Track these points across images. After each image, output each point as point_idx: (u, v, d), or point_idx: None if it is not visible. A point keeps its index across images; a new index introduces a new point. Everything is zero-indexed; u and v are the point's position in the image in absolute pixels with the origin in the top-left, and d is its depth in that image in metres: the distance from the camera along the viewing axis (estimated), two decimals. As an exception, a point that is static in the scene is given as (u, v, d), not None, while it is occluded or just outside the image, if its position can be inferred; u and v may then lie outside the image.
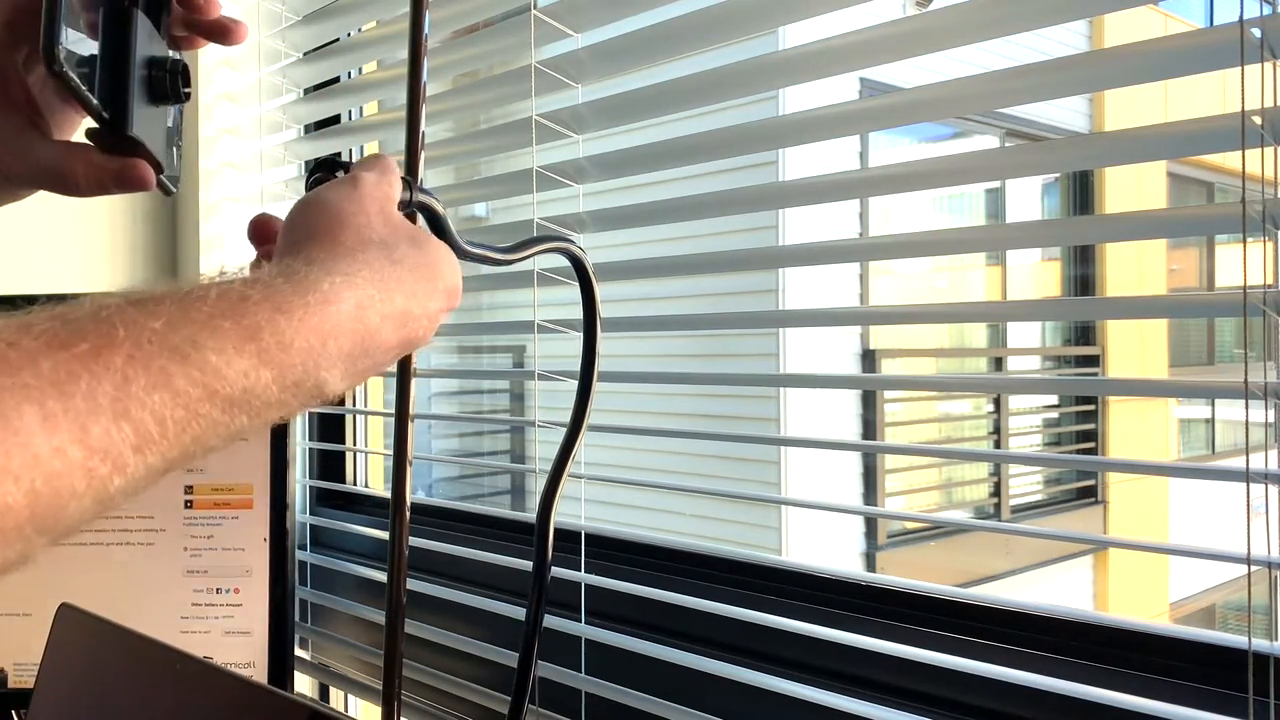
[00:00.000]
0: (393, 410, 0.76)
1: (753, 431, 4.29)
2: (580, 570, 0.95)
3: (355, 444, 1.38)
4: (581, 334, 0.68)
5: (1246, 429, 0.59)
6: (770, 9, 0.80)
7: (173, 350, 0.34)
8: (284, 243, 0.46)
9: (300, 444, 1.35)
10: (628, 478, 1.10)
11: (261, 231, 0.51)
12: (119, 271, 1.33)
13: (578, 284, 0.68)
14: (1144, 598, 6.01)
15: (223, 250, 1.34)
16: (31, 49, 0.50)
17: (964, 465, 5.47)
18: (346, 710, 1.27)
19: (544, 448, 0.92)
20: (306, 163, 1.31)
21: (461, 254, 0.52)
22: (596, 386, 0.67)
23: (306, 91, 1.31)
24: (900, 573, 3.70)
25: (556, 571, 0.94)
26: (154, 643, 0.57)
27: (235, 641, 0.92)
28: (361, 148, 1.31)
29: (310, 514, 1.35)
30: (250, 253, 0.51)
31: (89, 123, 0.49)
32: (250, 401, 0.37)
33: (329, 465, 1.38)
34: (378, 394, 1.42)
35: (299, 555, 1.26)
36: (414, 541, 1.03)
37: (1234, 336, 6.33)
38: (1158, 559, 5.95)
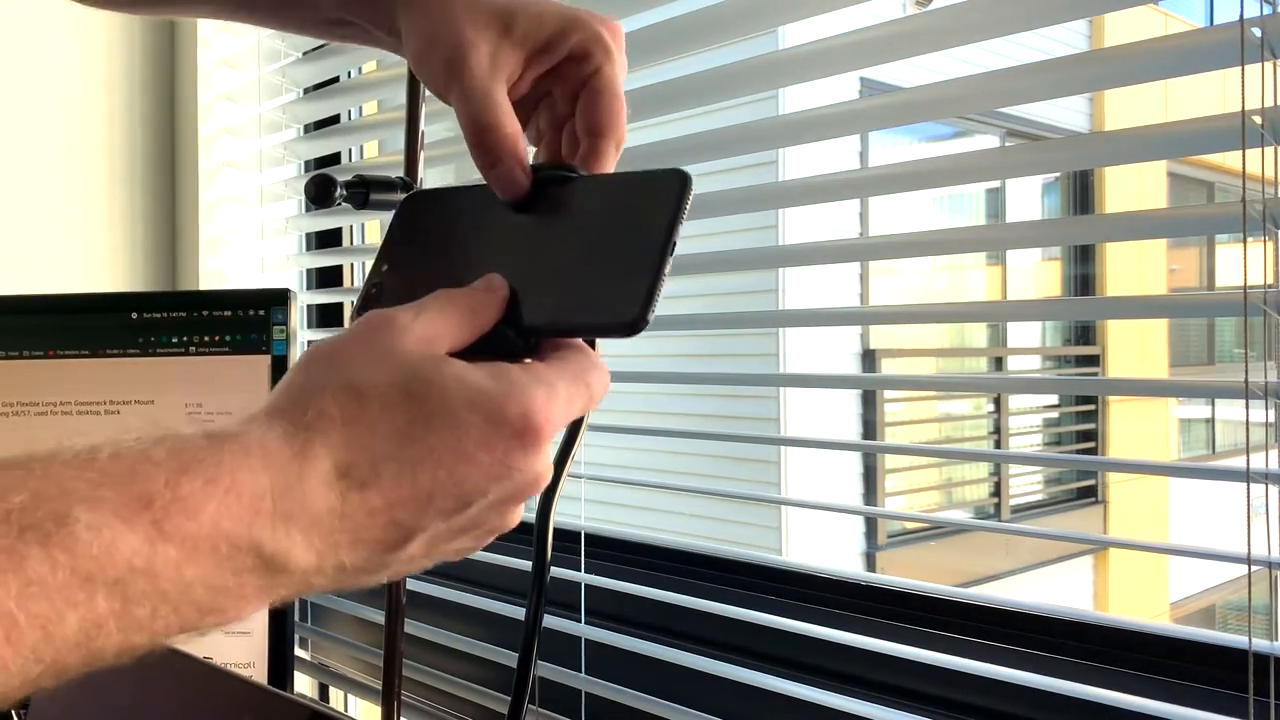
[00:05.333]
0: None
1: (753, 431, 4.29)
2: (580, 570, 0.95)
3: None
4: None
5: (1247, 429, 0.59)
6: (770, 9, 0.80)
7: (30, 529, 0.28)
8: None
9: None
10: (628, 478, 1.10)
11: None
12: (119, 271, 1.33)
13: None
14: (1144, 598, 6.01)
15: (222, 250, 1.34)
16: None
17: (964, 465, 5.47)
18: (346, 710, 1.27)
19: (544, 448, 0.92)
20: (307, 163, 1.31)
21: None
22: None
23: (306, 91, 1.31)
24: (900, 573, 3.70)
25: (556, 571, 0.94)
26: (153, 643, 0.57)
27: (235, 641, 0.92)
28: (361, 147, 1.31)
29: (310, 514, 1.34)
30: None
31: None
32: (159, 587, 0.30)
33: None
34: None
35: (299, 555, 1.26)
36: (414, 541, 1.03)
37: (1234, 336, 6.33)
38: (1158, 559, 5.95)
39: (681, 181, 0.41)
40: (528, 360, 0.39)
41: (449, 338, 0.38)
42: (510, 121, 0.44)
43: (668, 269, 0.40)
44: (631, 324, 0.39)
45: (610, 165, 0.46)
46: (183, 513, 0.30)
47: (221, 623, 0.32)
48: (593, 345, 0.42)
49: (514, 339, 0.40)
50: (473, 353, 0.38)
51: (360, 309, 0.44)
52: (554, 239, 0.43)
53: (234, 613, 0.32)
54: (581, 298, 0.40)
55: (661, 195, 0.41)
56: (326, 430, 0.34)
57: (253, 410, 0.35)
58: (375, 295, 0.44)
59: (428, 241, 0.46)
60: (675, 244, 0.40)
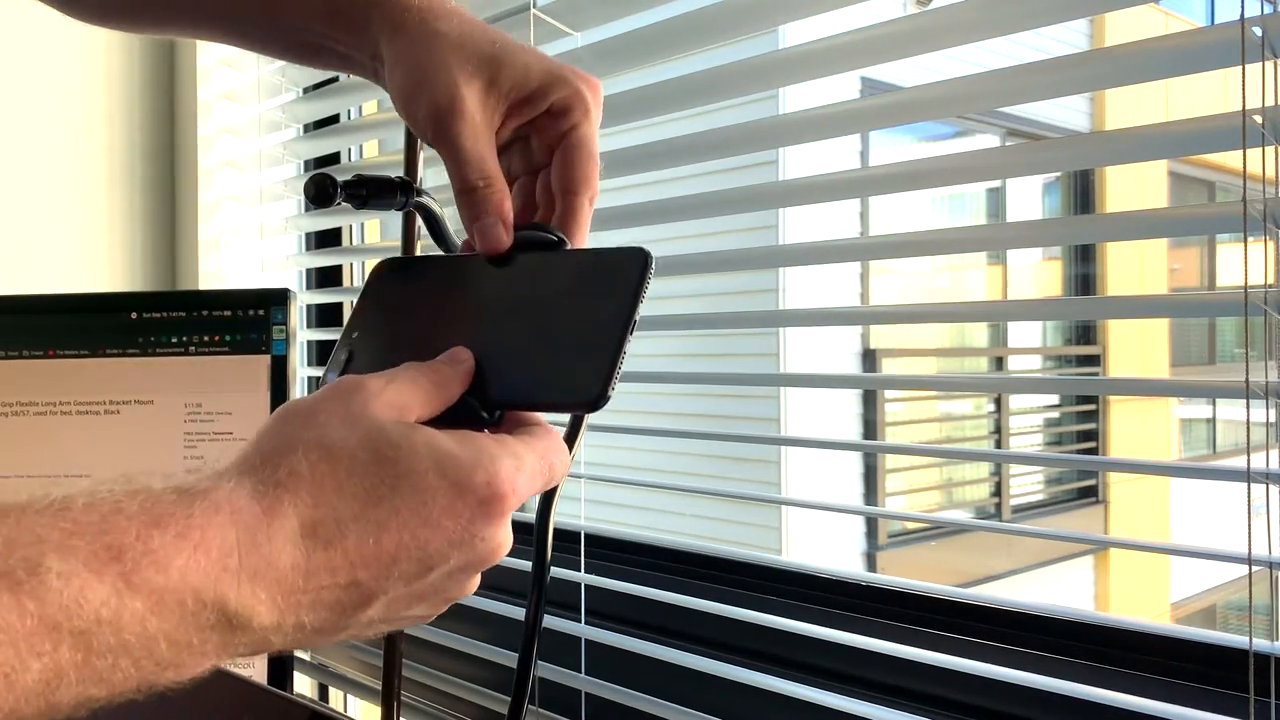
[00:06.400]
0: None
1: (753, 431, 4.29)
2: (580, 570, 0.95)
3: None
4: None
5: (1248, 429, 0.59)
6: (770, 9, 0.80)
7: (2, 576, 0.28)
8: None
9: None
10: (628, 478, 1.10)
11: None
12: (118, 271, 1.33)
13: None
14: (1145, 598, 6.01)
15: (222, 250, 1.34)
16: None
17: (964, 465, 5.47)
18: (346, 710, 1.27)
19: (544, 448, 0.92)
20: (307, 162, 1.31)
21: (457, 254, 0.52)
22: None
23: (306, 90, 1.31)
24: (901, 573, 3.70)
25: (556, 571, 0.94)
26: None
27: (235, 641, 0.92)
28: (361, 147, 1.31)
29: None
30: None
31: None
32: (122, 639, 0.30)
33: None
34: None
35: (299, 555, 1.26)
36: (414, 541, 1.03)
37: (1235, 336, 6.33)
38: (1158, 559, 5.94)
39: (643, 262, 0.42)
40: (488, 431, 0.41)
41: (418, 407, 0.38)
42: (499, 180, 0.46)
43: (629, 346, 0.41)
44: (593, 403, 0.40)
45: (585, 220, 0.48)
46: (152, 565, 0.30)
47: (177, 679, 0.32)
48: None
49: (479, 410, 0.41)
50: (440, 423, 0.39)
51: (328, 374, 0.45)
52: (520, 313, 0.44)
53: (190, 669, 0.32)
54: (546, 375, 0.42)
55: (624, 274, 0.42)
56: (296, 488, 0.34)
57: (225, 463, 0.35)
58: (346, 361, 0.46)
59: (397, 310, 0.48)
60: (636, 322, 0.42)
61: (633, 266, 0.42)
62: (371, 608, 0.35)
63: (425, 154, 0.79)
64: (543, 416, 0.43)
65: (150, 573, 0.30)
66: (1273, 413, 0.57)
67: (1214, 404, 6.81)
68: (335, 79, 1.26)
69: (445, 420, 0.39)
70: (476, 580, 0.39)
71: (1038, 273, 6.21)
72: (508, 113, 0.47)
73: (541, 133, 0.49)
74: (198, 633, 0.31)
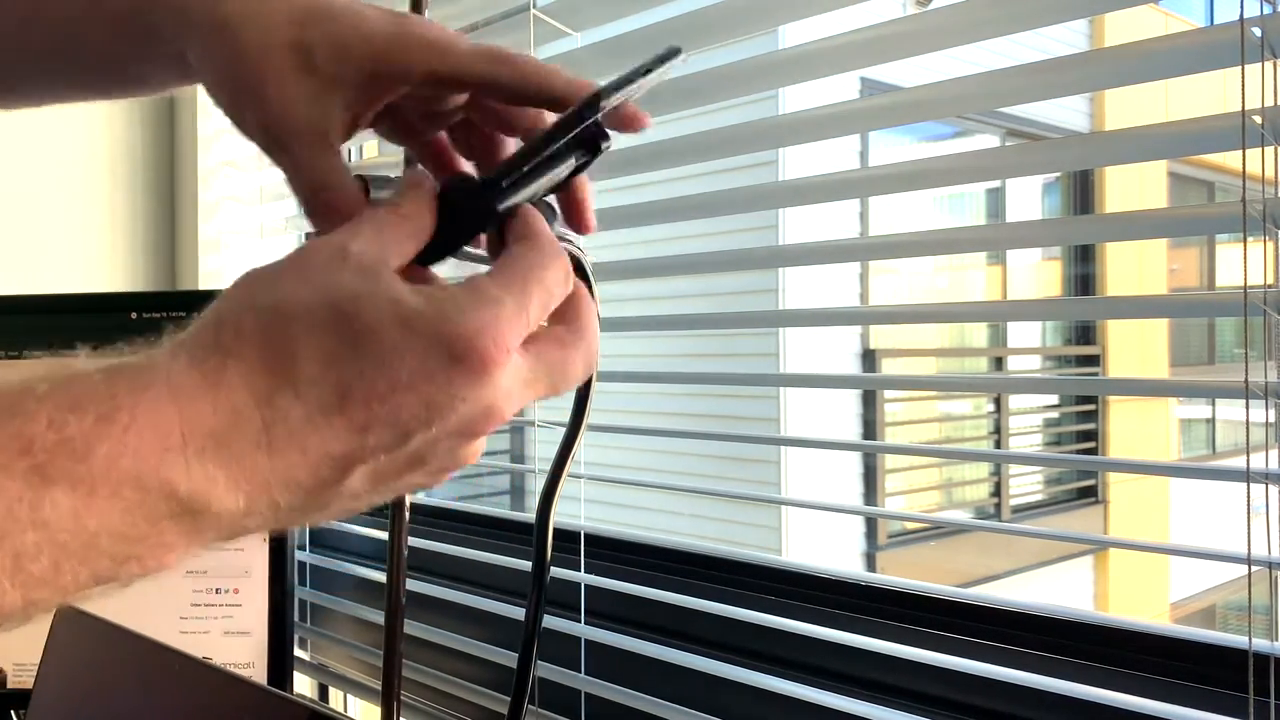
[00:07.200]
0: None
1: (753, 431, 4.29)
2: (580, 570, 0.95)
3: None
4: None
5: (1247, 429, 0.59)
6: (770, 9, 0.80)
7: None
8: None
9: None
10: (628, 478, 1.10)
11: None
12: (119, 271, 1.33)
13: (577, 284, 0.67)
14: (1144, 598, 6.01)
15: (222, 250, 1.34)
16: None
17: (964, 465, 5.47)
18: (346, 710, 1.27)
19: (543, 447, 0.92)
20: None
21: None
22: (596, 386, 0.67)
23: (306, 91, 1.31)
24: (901, 573, 3.70)
25: (556, 572, 0.94)
26: (153, 643, 0.57)
27: (234, 641, 0.92)
28: (361, 147, 1.31)
29: (310, 514, 1.34)
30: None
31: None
32: (55, 539, 0.27)
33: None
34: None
35: (298, 555, 1.26)
36: (413, 541, 1.03)
37: (1234, 336, 6.33)
38: (1158, 559, 5.95)
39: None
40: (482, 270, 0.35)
41: (394, 253, 0.33)
42: (340, 190, 0.38)
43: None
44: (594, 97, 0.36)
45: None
46: (70, 455, 0.27)
47: (145, 572, 0.29)
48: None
49: (469, 224, 0.36)
50: (430, 258, 0.35)
51: None
52: None
53: (156, 562, 0.29)
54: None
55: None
56: (242, 353, 0.30)
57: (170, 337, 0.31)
58: None
59: None
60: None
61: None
62: (351, 479, 0.31)
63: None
64: (538, 233, 0.36)
65: (67, 463, 0.27)
66: (1273, 413, 0.57)
67: (1214, 404, 6.82)
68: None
69: (434, 254, 0.35)
70: (477, 446, 0.34)
71: (1038, 273, 6.21)
72: (357, 103, 0.39)
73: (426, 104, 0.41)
74: (150, 524, 0.28)
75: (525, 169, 0.36)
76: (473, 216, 0.36)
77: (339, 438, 0.30)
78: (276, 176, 1.31)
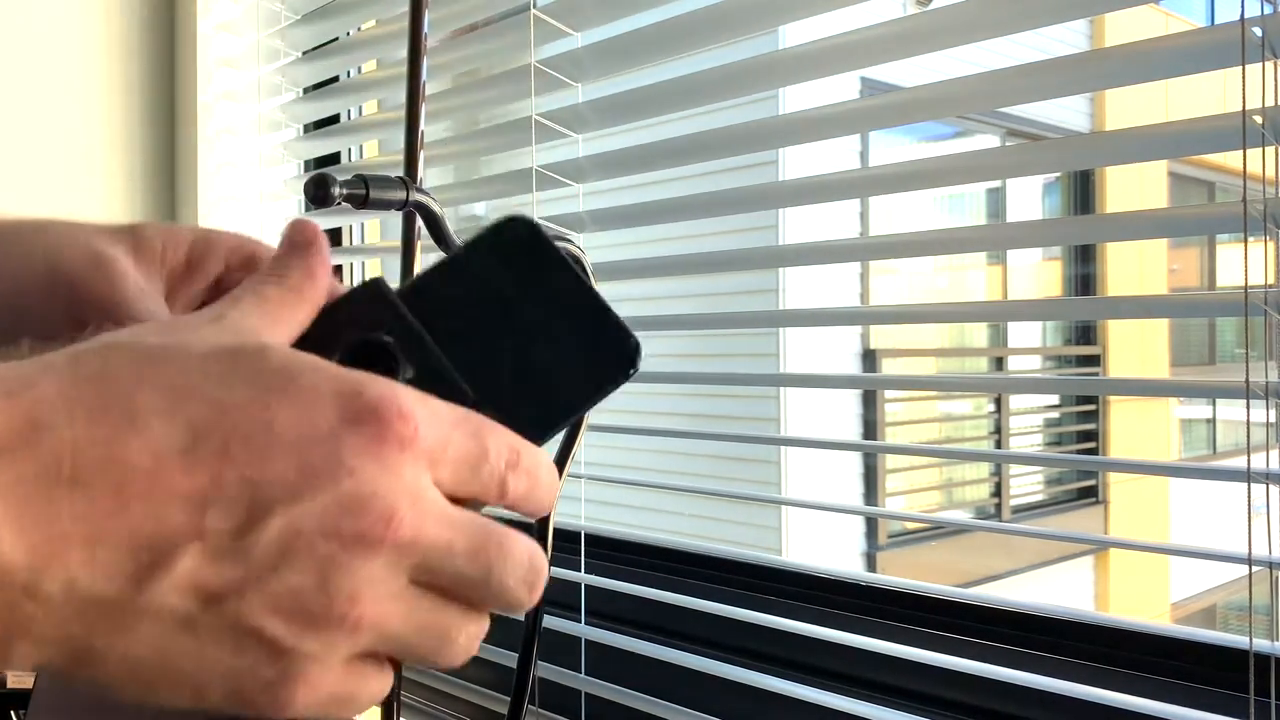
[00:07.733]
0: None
1: (753, 431, 4.29)
2: (580, 570, 0.95)
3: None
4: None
5: (1248, 429, 0.59)
6: (770, 9, 0.80)
7: None
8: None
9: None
10: (628, 478, 1.10)
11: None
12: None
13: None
14: (1145, 598, 6.01)
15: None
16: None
17: (964, 465, 5.47)
18: (346, 710, 1.27)
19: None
20: (307, 162, 1.31)
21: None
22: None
23: (306, 90, 1.31)
24: (901, 573, 3.70)
25: (556, 571, 0.94)
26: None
27: (235, 641, 0.92)
28: (361, 147, 1.31)
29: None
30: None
31: None
32: None
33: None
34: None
35: (299, 555, 1.26)
36: (414, 541, 1.03)
37: (1235, 336, 6.33)
38: (1158, 559, 5.95)
39: (529, 228, 0.34)
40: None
41: (281, 326, 0.28)
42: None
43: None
44: (632, 355, 0.34)
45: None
46: None
47: None
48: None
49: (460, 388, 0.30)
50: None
51: None
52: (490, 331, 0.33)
53: None
54: (572, 370, 0.33)
55: (528, 257, 0.34)
56: (64, 367, 0.23)
57: None
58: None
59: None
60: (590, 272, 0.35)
61: (519, 236, 0.34)
62: (171, 571, 0.22)
63: (425, 153, 0.79)
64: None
65: None
66: (1273, 413, 0.57)
67: (1214, 404, 6.81)
68: (335, 79, 1.26)
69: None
70: (372, 566, 0.24)
71: (1038, 273, 6.21)
72: (176, 281, 0.38)
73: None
74: None
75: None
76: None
77: (163, 497, 0.22)
78: (276, 177, 1.30)
